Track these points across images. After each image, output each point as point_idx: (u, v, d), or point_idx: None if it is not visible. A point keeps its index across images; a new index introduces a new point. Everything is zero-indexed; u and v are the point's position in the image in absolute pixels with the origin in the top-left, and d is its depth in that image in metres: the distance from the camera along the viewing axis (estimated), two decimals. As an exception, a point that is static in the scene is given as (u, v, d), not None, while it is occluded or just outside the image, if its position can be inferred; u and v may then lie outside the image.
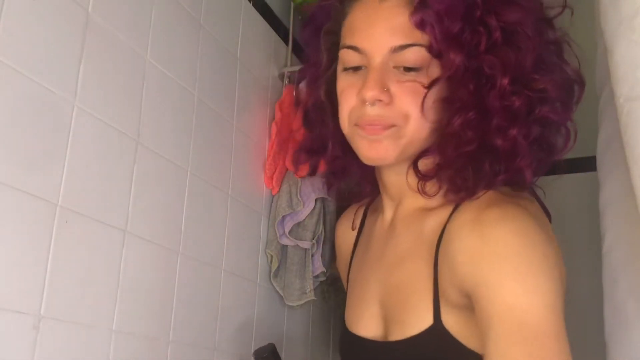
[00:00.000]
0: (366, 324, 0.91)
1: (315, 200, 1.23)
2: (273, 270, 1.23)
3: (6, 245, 0.69)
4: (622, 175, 0.83)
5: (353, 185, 1.04)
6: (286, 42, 1.38)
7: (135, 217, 0.88)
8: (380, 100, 0.78)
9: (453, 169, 0.79)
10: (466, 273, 0.73)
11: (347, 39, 0.83)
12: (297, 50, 1.42)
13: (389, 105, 0.78)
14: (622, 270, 0.87)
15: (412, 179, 0.85)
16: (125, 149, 0.88)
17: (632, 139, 0.76)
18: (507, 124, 0.77)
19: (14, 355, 0.69)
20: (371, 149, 0.81)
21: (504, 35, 0.77)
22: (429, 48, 0.77)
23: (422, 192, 0.83)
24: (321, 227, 1.24)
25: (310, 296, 1.22)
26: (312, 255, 1.23)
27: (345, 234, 1.06)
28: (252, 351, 0.96)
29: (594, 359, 0.95)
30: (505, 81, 0.76)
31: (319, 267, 1.23)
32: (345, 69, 0.83)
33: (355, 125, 0.82)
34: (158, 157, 0.94)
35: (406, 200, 0.90)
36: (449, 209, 0.82)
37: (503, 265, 0.71)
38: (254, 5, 1.26)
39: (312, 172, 1.06)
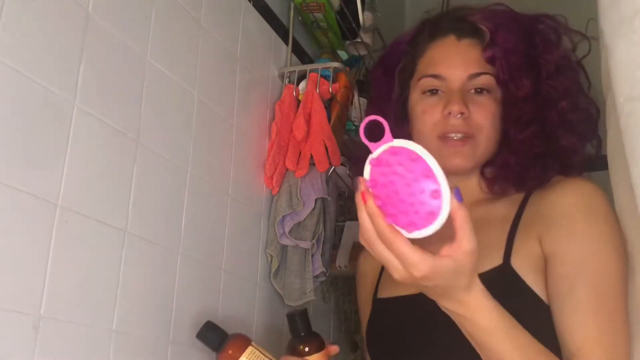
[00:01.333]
0: (401, 284, 0.93)
1: (315, 200, 1.23)
2: (273, 270, 1.23)
3: (6, 245, 0.69)
4: (621, 175, 0.83)
5: None
6: (286, 42, 1.38)
7: (135, 217, 0.88)
8: (462, 114, 0.96)
9: (523, 167, 0.98)
10: (554, 223, 0.89)
11: (428, 69, 1.02)
12: (297, 50, 1.42)
13: (468, 119, 0.97)
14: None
15: (483, 184, 1.03)
16: (125, 149, 0.88)
17: (632, 139, 0.76)
18: (567, 134, 0.98)
19: (14, 355, 0.69)
20: (454, 158, 0.97)
21: (556, 67, 0.99)
22: (497, 78, 0.98)
23: (493, 192, 1.01)
24: (321, 227, 1.24)
25: (310, 296, 1.22)
26: (312, 255, 1.22)
27: (370, 264, 1.12)
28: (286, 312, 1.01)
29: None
30: (565, 102, 0.98)
31: (318, 267, 1.23)
32: (423, 92, 1.02)
33: (439, 139, 0.98)
34: (158, 157, 0.95)
35: (465, 199, 0.98)
36: (520, 195, 0.98)
37: (590, 218, 0.88)
38: (254, 5, 1.26)
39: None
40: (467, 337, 0.79)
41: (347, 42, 1.52)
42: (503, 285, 0.86)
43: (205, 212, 1.06)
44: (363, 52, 1.54)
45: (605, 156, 0.97)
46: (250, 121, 1.23)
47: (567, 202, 0.90)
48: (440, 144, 0.98)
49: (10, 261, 0.69)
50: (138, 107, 0.91)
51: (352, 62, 1.54)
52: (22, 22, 0.73)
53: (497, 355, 0.76)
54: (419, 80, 1.03)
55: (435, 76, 1.00)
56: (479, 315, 0.75)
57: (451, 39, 1.02)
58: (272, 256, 1.22)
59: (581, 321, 0.82)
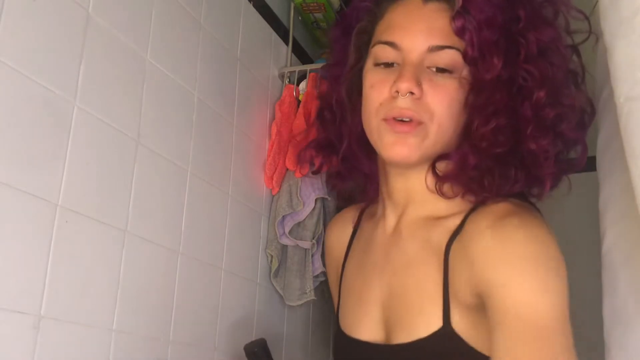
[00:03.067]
0: (366, 327, 0.90)
1: (316, 200, 1.23)
2: (273, 270, 1.23)
3: (6, 245, 0.69)
4: (621, 175, 0.83)
5: (355, 189, 1.05)
6: (286, 42, 1.38)
7: (135, 217, 0.88)
8: (412, 93, 0.81)
9: (480, 170, 0.82)
10: (484, 273, 0.76)
11: (383, 35, 0.86)
12: (297, 50, 1.42)
13: (419, 100, 0.81)
14: (621, 270, 0.87)
15: (430, 181, 0.88)
16: (125, 149, 0.88)
17: (632, 139, 0.76)
18: (539, 134, 0.82)
19: (14, 355, 0.69)
20: (395, 147, 0.82)
21: (539, 50, 0.82)
22: (464, 54, 0.81)
23: (440, 192, 0.86)
24: (321, 227, 1.24)
25: (310, 296, 1.23)
26: (312, 255, 1.23)
27: (338, 237, 1.05)
28: (243, 346, 0.95)
29: (593, 358, 0.95)
30: (542, 93, 0.81)
31: (319, 267, 1.23)
32: (377, 64, 0.86)
33: (383, 119, 0.83)
34: (158, 157, 0.95)
35: (411, 208, 0.91)
36: (459, 217, 0.85)
37: (523, 267, 0.75)
38: (254, 5, 1.26)
39: (317, 171, 1.08)
40: None
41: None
42: (447, 351, 0.81)
43: (205, 212, 1.06)
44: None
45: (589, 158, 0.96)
46: (250, 121, 1.23)
47: (499, 251, 0.77)
48: (381, 128, 0.84)
49: (10, 261, 0.69)
50: (138, 107, 0.91)
51: (352, 62, 1.54)
52: (22, 22, 0.73)
53: None
54: (373, 46, 0.88)
55: (389, 43, 0.84)
56: None
57: (416, 1, 0.85)
58: (272, 256, 1.22)
59: None
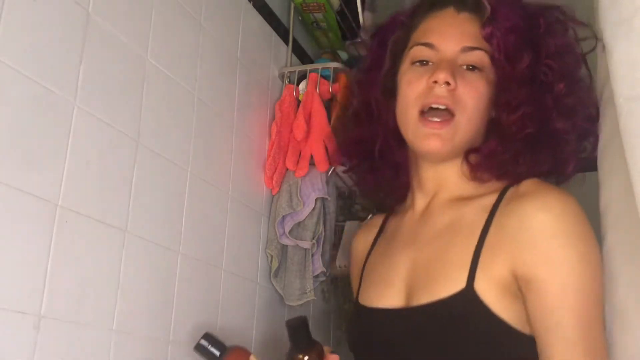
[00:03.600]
0: (388, 296, 0.94)
1: (316, 200, 1.23)
2: (273, 270, 1.23)
3: (6, 245, 0.69)
4: (621, 174, 0.83)
5: (382, 195, 1.11)
6: (286, 42, 1.38)
7: (135, 217, 0.88)
8: (448, 84, 0.90)
9: (511, 153, 0.92)
10: (530, 250, 0.83)
11: (421, 37, 0.97)
12: (297, 50, 1.42)
13: (453, 92, 0.91)
14: (622, 270, 0.87)
15: (465, 169, 0.97)
16: (125, 149, 0.88)
17: (632, 139, 0.76)
18: (561, 117, 0.93)
19: (14, 355, 0.69)
20: (429, 140, 0.92)
21: (557, 51, 0.94)
22: (492, 56, 0.93)
23: (477, 178, 0.95)
24: (321, 227, 1.24)
25: (310, 296, 1.23)
26: (312, 255, 1.23)
27: (364, 239, 1.11)
28: (285, 321, 0.96)
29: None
30: (562, 85, 0.92)
31: (319, 267, 1.23)
32: (413, 63, 0.96)
33: (420, 112, 0.93)
34: (158, 157, 0.95)
35: (442, 193, 0.98)
36: (493, 196, 0.92)
37: (566, 242, 0.83)
38: (254, 5, 1.26)
39: (351, 168, 1.13)
40: None
41: (347, 42, 1.52)
42: (466, 314, 0.83)
43: (205, 212, 1.06)
44: (363, 52, 1.54)
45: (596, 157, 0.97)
46: (250, 121, 1.23)
47: (540, 223, 0.83)
48: (418, 125, 0.93)
49: (10, 261, 0.69)
50: (138, 107, 0.91)
51: (352, 62, 1.54)
52: (22, 22, 0.73)
53: None
54: (410, 48, 0.98)
55: (426, 44, 0.95)
56: None
57: (450, 11, 0.97)
58: (272, 256, 1.22)
59: (570, 354, 0.80)
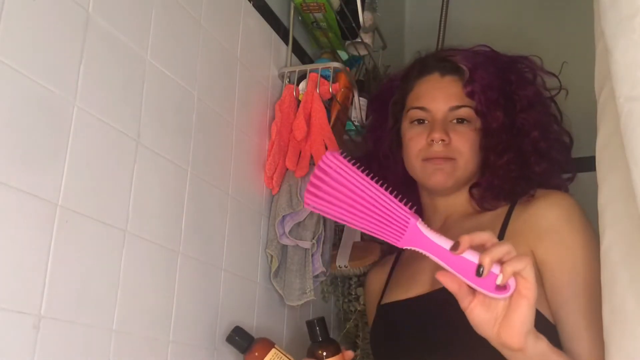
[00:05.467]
0: (413, 288, 1.08)
1: (315, 200, 1.23)
2: (273, 270, 1.22)
3: (6, 245, 0.69)
4: (620, 174, 0.83)
5: None
6: (286, 42, 1.38)
7: (135, 217, 0.88)
8: (443, 140, 1.09)
9: (509, 183, 1.11)
10: (549, 233, 1.00)
11: (415, 103, 1.16)
12: (297, 50, 1.42)
13: (448, 145, 1.10)
14: (621, 268, 0.87)
15: (472, 201, 1.16)
16: (125, 149, 0.88)
17: (632, 140, 0.75)
18: (539, 161, 1.12)
19: (14, 355, 0.69)
20: (436, 175, 1.11)
21: (528, 102, 1.14)
22: (476, 110, 1.12)
23: (484, 208, 1.12)
24: (321, 227, 1.24)
25: (310, 296, 1.22)
26: (312, 255, 1.22)
27: (376, 279, 1.26)
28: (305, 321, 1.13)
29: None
30: (536, 133, 1.12)
31: (319, 267, 1.23)
32: (412, 122, 1.16)
33: (423, 160, 1.12)
34: (158, 157, 0.95)
35: (454, 215, 1.16)
36: (505, 208, 1.09)
37: (573, 231, 1.00)
38: (254, 5, 1.26)
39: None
40: None
41: (347, 42, 1.52)
42: None
43: (205, 212, 1.06)
44: (363, 52, 1.54)
45: (587, 158, 1.00)
46: (250, 121, 1.23)
47: (553, 215, 1.01)
48: (423, 164, 1.12)
49: (10, 261, 0.69)
50: (138, 107, 0.91)
51: (352, 62, 1.54)
52: (22, 22, 0.73)
53: None
54: (407, 111, 1.17)
55: (420, 108, 1.14)
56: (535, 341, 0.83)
57: (435, 76, 1.16)
58: (272, 256, 1.22)
59: (584, 325, 0.93)
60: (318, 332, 1.09)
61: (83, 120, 0.80)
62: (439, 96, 1.14)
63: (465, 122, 1.12)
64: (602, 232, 0.90)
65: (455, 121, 1.12)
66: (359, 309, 1.47)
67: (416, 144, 1.14)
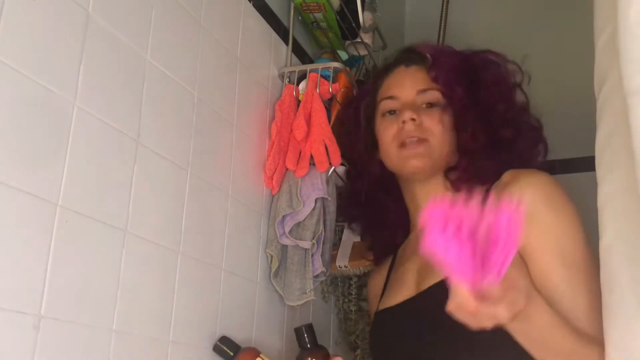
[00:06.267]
0: (400, 293, 1.09)
1: (315, 200, 1.23)
2: (273, 270, 1.22)
3: (6, 245, 0.69)
4: (622, 172, 0.83)
5: (388, 233, 1.31)
6: (286, 42, 1.38)
7: (135, 217, 0.88)
8: (413, 120, 1.12)
9: (481, 164, 1.11)
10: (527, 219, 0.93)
11: (384, 94, 1.21)
12: (297, 50, 1.42)
13: (420, 126, 1.13)
14: (621, 266, 0.87)
15: (448, 187, 1.16)
16: (125, 149, 0.88)
17: (635, 135, 0.75)
18: (507, 125, 1.16)
19: (14, 355, 0.69)
20: (412, 160, 1.13)
21: (492, 81, 1.18)
22: (442, 92, 1.16)
23: (461, 191, 1.08)
24: (321, 227, 1.24)
25: (310, 296, 1.22)
26: (312, 255, 1.22)
27: (377, 279, 1.28)
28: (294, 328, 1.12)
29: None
30: (501, 105, 1.16)
31: (319, 267, 1.23)
32: (383, 115, 1.19)
33: (399, 147, 1.14)
34: (158, 157, 0.95)
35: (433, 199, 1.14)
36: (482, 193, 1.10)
37: (556, 207, 0.98)
38: (254, 5, 1.26)
39: (354, 218, 1.42)
40: (529, 340, 0.85)
41: (347, 42, 1.52)
42: None
43: (205, 212, 1.06)
44: (363, 52, 1.54)
45: (585, 158, 1.00)
46: (250, 121, 1.23)
47: (528, 195, 0.98)
48: (399, 151, 1.14)
49: (10, 261, 0.69)
50: (138, 107, 0.91)
51: (352, 62, 1.54)
52: (22, 22, 0.73)
53: (559, 345, 0.86)
54: (379, 104, 1.21)
55: (390, 97, 1.19)
56: (544, 312, 0.84)
57: (401, 68, 1.22)
58: (272, 256, 1.22)
59: (583, 303, 0.92)
60: (306, 339, 1.08)
61: (83, 120, 0.80)
62: (406, 83, 1.18)
63: (434, 106, 1.16)
64: (602, 231, 0.90)
65: (424, 106, 1.16)
66: (355, 309, 1.47)
67: (390, 132, 1.17)
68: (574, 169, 1.41)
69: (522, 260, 0.96)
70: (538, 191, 0.99)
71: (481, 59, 1.21)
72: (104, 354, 0.81)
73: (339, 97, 1.34)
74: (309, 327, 1.09)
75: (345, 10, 1.42)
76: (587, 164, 0.99)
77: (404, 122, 1.13)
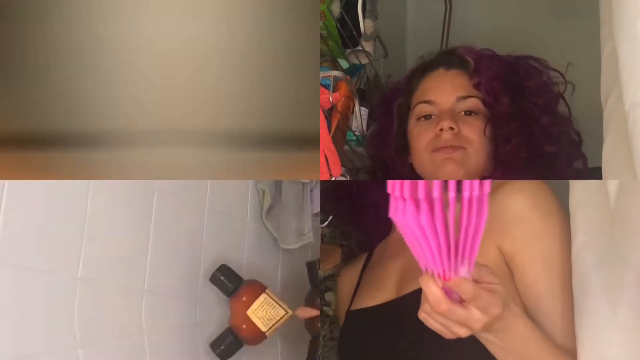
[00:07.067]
0: (378, 295, 1.05)
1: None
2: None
3: None
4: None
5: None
6: (286, 42, 1.38)
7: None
8: (452, 129, 1.08)
9: (514, 176, 1.08)
10: (517, 224, 0.95)
11: (421, 97, 1.16)
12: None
13: (458, 134, 1.08)
14: (592, 272, 0.87)
15: None
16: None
17: (637, 148, 0.75)
18: (550, 142, 1.12)
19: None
20: (447, 164, 1.09)
21: (537, 91, 1.13)
22: (483, 101, 1.11)
23: None
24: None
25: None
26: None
27: (348, 278, 1.22)
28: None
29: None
30: (546, 119, 1.11)
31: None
32: (418, 119, 1.15)
33: (432, 152, 1.10)
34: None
35: None
36: None
37: (548, 219, 0.95)
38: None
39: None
40: (503, 353, 0.83)
41: (348, 50, 1.53)
42: None
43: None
44: (364, 60, 1.55)
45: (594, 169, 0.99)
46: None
47: (517, 202, 0.97)
48: (432, 155, 1.10)
49: None
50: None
51: (352, 70, 1.54)
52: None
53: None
54: (414, 108, 1.16)
55: (427, 102, 1.14)
56: (521, 323, 0.82)
57: (440, 71, 1.17)
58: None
59: (563, 318, 0.90)
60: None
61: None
62: (446, 88, 1.14)
63: (473, 114, 1.11)
64: (574, 234, 0.91)
65: (463, 113, 1.11)
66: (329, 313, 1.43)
67: (425, 137, 1.12)
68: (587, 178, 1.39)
69: (508, 270, 0.95)
70: (528, 198, 0.97)
71: (525, 68, 1.17)
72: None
73: (339, 107, 1.34)
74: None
75: (346, 18, 1.43)
76: (595, 174, 1.01)
77: (441, 130, 1.09)
